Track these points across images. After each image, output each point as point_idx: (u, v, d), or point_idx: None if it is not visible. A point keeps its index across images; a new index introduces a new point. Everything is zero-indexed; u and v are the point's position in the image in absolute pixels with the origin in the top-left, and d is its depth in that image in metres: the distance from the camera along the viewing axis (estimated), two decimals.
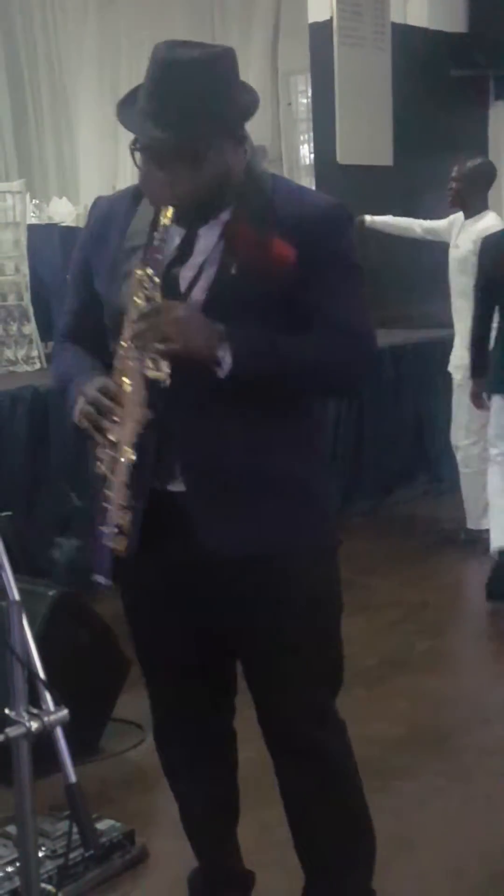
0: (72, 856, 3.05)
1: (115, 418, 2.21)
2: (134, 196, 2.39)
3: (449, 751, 3.90)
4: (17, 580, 2.08)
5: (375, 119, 8.23)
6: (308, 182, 8.47)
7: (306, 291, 2.27)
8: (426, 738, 4.00)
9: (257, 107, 2.27)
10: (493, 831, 3.37)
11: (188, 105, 2.14)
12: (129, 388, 2.21)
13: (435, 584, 5.79)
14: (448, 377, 6.38)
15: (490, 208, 6.11)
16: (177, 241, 2.28)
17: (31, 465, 5.52)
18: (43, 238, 7.56)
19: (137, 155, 2.23)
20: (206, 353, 2.20)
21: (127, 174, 12.02)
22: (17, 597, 2.04)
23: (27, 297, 7.05)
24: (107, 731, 3.95)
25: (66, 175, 12.71)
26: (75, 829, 2.03)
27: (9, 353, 6.92)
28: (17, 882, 2.92)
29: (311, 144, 9.27)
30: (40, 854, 2.99)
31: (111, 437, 2.21)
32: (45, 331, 7.34)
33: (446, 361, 6.37)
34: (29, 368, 6.88)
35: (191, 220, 2.26)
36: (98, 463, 2.23)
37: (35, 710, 1.99)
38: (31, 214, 8.05)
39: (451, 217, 6.25)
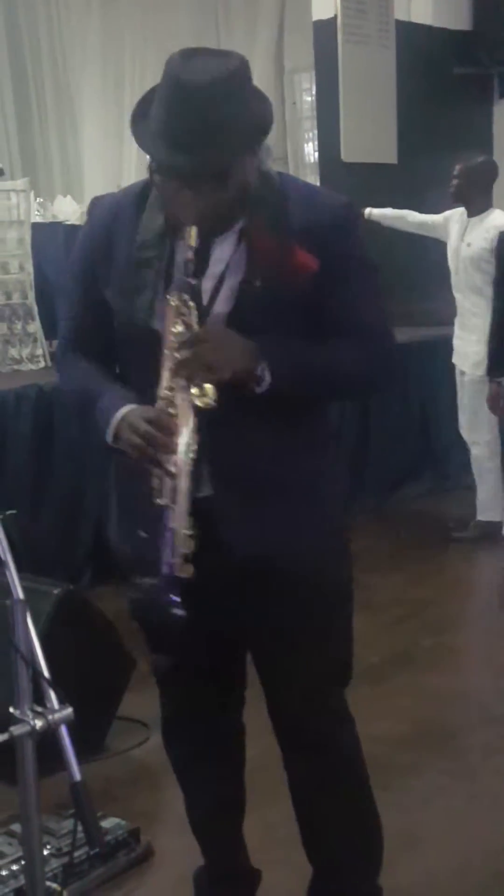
0: (77, 854, 3.06)
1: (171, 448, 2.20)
2: (137, 199, 2.35)
3: (453, 748, 3.90)
4: (21, 578, 2.08)
5: (380, 117, 8.22)
6: (312, 180, 8.46)
7: (325, 295, 2.29)
8: (431, 736, 4.00)
9: (273, 117, 2.25)
10: (498, 829, 3.37)
11: (212, 129, 2.10)
12: (178, 417, 2.20)
13: (439, 582, 5.79)
14: (452, 374, 6.40)
15: (495, 205, 6.12)
16: (190, 253, 2.23)
17: (35, 463, 5.53)
18: (47, 236, 7.55)
19: (156, 175, 2.22)
20: (248, 374, 2.22)
21: (132, 172, 12.01)
22: (21, 595, 2.05)
23: (31, 295, 7.04)
24: (111, 729, 3.95)
25: (70, 173, 12.68)
26: (80, 828, 2.04)
27: (13, 352, 6.92)
28: (22, 880, 2.93)
29: (316, 142, 9.26)
30: (45, 852, 3.00)
31: (170, 469, 2.19)
32: (50, 329, 7.33)
33: (450, 358, 6.39)
34: (33, 367, 6.87)
35: (207, 232, 2.24)
36: (156, 493, 2.21)
37: (39, 709, 2.00)
38: (36, 213, 8.03)
39: (448, 213, 6.26)
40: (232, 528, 2.32)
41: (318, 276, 2.25)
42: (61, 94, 12.66)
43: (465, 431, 6.40)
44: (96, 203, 2.49)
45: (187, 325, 2.18)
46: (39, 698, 2.01)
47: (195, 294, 2.20)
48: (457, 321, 6.30)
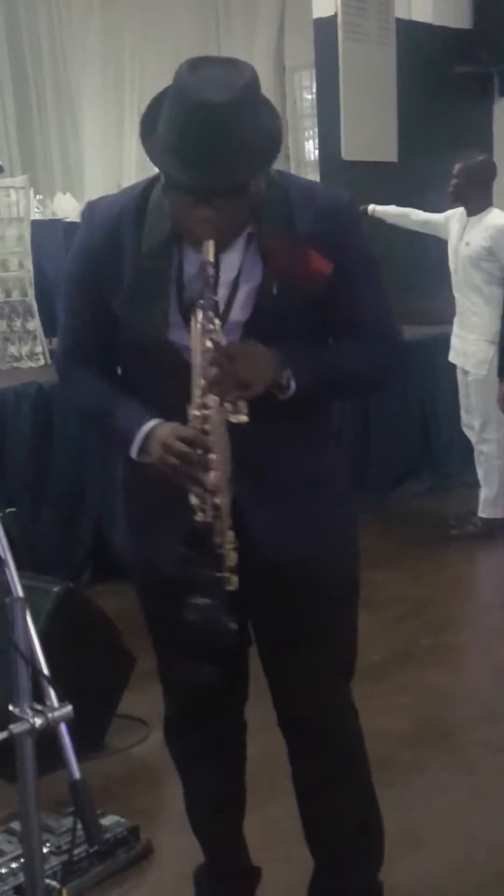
0: (76, 852, 3.06)
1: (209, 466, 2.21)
2: (138, 204, 2.31)
3: (455, 746, 3.90)
4: (20, 576, 2.08)
5: (380, 115, 8.21)
6: (313, 178, 8.45)
7: (335, 294, 2.30)
8: (432, 734, 4.00)
9: (282, 129, 2.24)
10: (499, 826, 3.37)
11: (231, 148, 2.08)
12: (212, 434, 2.20)
13: (440, 580, 5.79)
14: (451, 372, 6.40)
15: (495, 205, 6.13)
16: (211, 269, 2.20)
17: (35, 460, 5.52)
18: (47, 234, 7.55)
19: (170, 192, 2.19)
20: (276, 384, 2.24)
21: (132, 169, 12.02)
22: (20, 593, 2.04)
23: (31, 292, 7.04)
24: (111, 727, 3.95)
25: (70, 170, 12.69)
26: (80, 825, 2.03)
27: (13, 349, 6.91)
28: (21, 878, 2.93)
29: (316, 140, 9.25)
30: (45, 850, 3.00)
31: (209, 486, 2.21)
32: (49, 327, 7.32)
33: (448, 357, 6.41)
34: (33, 364, 6.87)
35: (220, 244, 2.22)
36: (199, 511, 2.22)
37: (39, 707, 1.99)
38: (35, 210, 8.04)
39: (449, 212, 6.28)
40: (256, 529, 2.33)
41: (329, 277, 2.27)
42: (61, 92, 12.67)
43: (470, 430, 6.39)
44: (93, 208, 2.43)
45: (215, 343, 2.17)
46: (39, 696, 2.01)
47: (216, 308, 2.19)
48: (456, 320, 6.31)
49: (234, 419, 2.19)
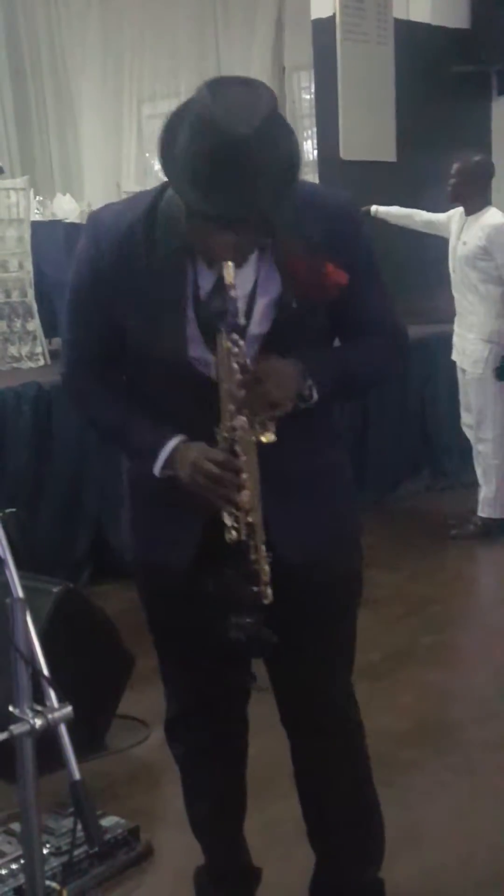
0: (76, 853, 3.06)
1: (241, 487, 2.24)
2: (147, 216, 2.27)
3: (455, 745, 3.91)
4: (20, 577, 2.08)
5: (378, 114, 8.21)
6: (311, 178, 8.45)
7: (344, 297, 2.29)
8: (432, 733, 4.00)
9: (300, 151, 2.18)
10: (499, 825, 3.37)
11: (257, 177, 2.04)
12: (242, 454, 2.23)
13: (440, 579, 5.80)
14: (451, 371, 6.42)
15: (493, 204, 6.13)
16: (234, 291, 2.19)
17: (35, 461, 5.52)
18: (47, 235, 7.55)
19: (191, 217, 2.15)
20: (300, 396, 2.26)
21: (130, 170, 12.03)
22: (21, 594, 2.05)
23: (31, 293, 7.04)
24: (111, 727, 3.95)
25: (69, 171, 12.70)
26: (80, 826, 2.04)
27: (13, 350, 6.92)
28: (21, 879, 2.93)
29: (314, 140, 9.25)
30: (45, 851, 3.00)
31: (242, 505, 2.25)
32: (49, 327, 7.33)
33: (449, 355, 6.41)
34: (33, 365, 6.88)
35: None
36: (231, 531, 2.26)
37: (39, 707, 1.99)
38: (35, 211, 8.04)
39: (451, 212, 6.29)
40: (274, 531, 2.34)
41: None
42: (61, 93, 12.68)
43: (470, 429, 6.40)
44: (98, 222, 2.36)
45: (242, 367, 2.18)
46: (39, 697, 2.01)
47: (239, 330, 2.19)
48: (456, 319, 6.32)
49: (265, 439, 2.23)
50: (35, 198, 8.28)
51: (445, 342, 6.49)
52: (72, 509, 5.69)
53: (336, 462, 2.54)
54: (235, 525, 2.25)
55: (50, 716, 1.98)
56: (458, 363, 6.34)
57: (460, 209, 6.18)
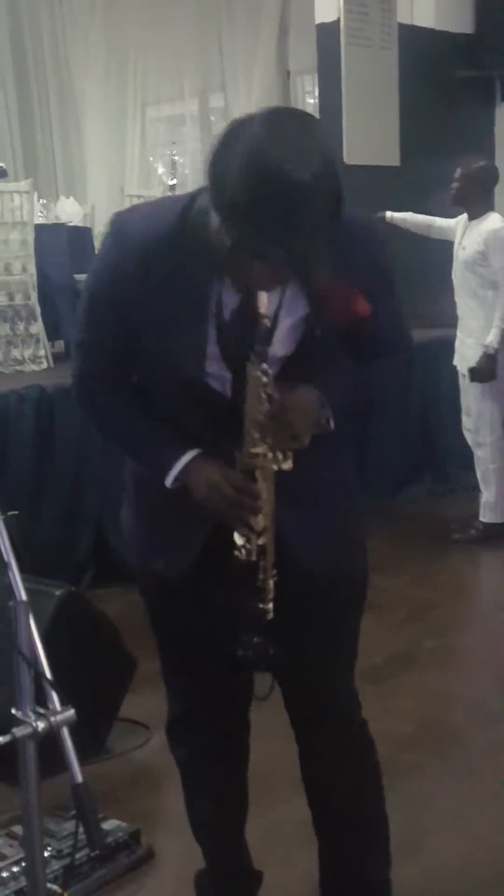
0: (78, 856, 3.06)
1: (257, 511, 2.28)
2: (175, 231, 2.21)
3: (456, 749, 3.90)
4: (23, 580, 2.08)
5: (382, 119, 8.22)
6: None
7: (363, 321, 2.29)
8: (433, 737, 4.00)
9: (342, 187, 2.13)
10: (501, 829, 3.37)
11: (314, 221, 2.01)
12: (260, 480, 2.26)
13: (442, 583, 5.79)
14: (453, 376, 6.42)
15: (497, 209, 6.14)
16: (267, 322, 2.19)
17: (37, 463, 5.52)
18: (50, 238, 7.56)
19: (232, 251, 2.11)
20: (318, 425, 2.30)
21: (134, 173, 12.05)
22: (24, 596, 2.05)
23: (34, 296, 7.05)
24: (113, 730, 3.95)
25: (73, 174, 12.72)
26: (81, 829, 2.04)
27: (16, 353, 6.93)
28: (23, 882, 2.93)
29: None
30: (46, 854, 3.00)
31: (257, 527, 2.28)
32: (52, 330, 7.34)
33: (451, 360, 6.42)
34: (36, 368, 6.88)
35: None
36: (241, 551, 2.30)
37: (42, 710, 1.99)
38: (39, 214, 8.05)
39: (458, 217, 6.30)
40: (288, 537, 2.36)
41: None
42: (64, 96, 12.70)
43: (469, 433, 6.41)
44: (126, 227, 2.29)
45: (269, 396, 2.20)
46: (42, 700, 2.01)
47: (269, 360, 2.20)
48: (458, 324, 6.33)
49: (285, 466, 2.26)
50: (38, 201, 8.28)
51: (448, 346, 6.49)
52: (74, 512, 5.69)
53: (345, 468, 2.56)
54: (247, 546, 2.28)
55: (52, 719, 1.98)
56: (459, 368, 6.35)
57: (465, 214, 6.19)
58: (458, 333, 6.33)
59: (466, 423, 6.42)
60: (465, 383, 6.32)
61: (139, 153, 12.31)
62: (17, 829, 3.14)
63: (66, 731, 1.99)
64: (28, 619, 2.03)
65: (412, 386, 7.22)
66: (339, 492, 2.52)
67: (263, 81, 10.80)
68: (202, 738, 2.69)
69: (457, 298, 6.26)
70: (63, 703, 2.00)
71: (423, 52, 8.52)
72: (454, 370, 6.42)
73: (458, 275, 6.20)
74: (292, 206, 1.97)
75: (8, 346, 6.91)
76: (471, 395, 6.27)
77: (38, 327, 7.00)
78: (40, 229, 7.39)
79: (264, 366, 2.17)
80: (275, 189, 1.95)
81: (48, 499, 5.58)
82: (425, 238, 6.68)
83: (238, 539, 2.29)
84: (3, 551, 2.11)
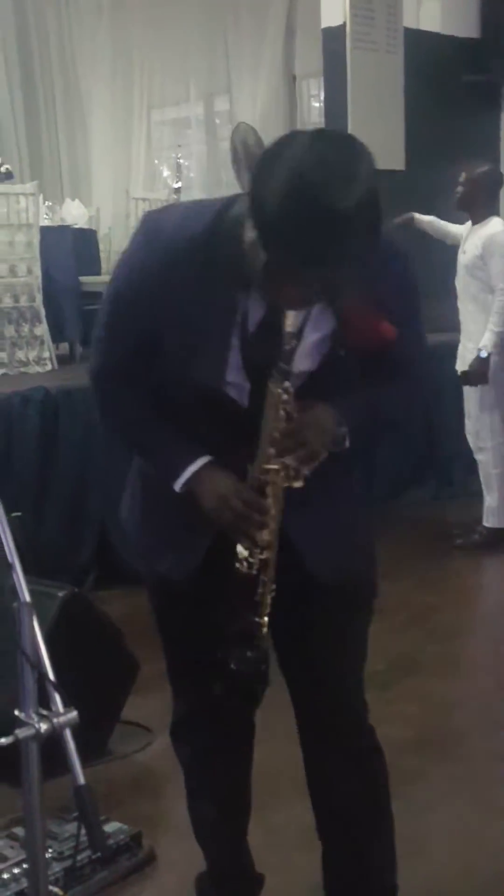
0: (79, 858, 3.06)
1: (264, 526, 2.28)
2: (206, 239, 2.20)
3: (458, 755, 3.90)
4: (26, 581, 2.08)
5: (388, 123, 8.22)
6: None
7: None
8: (436, 742, 4.00)
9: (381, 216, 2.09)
10: (503, 835, 3.36)
11: (354, 248, 1.99)
12: (270, 496, 2.26)
13: (445, 588, 5.79)
14: (457, 380, 6.42)
15: (500, 215, 6.16)
16: (295, 341, 2.18)
17: (40, 465, 5.53)
18: (55, 240, 7.58)
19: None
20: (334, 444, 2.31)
21: (139, 176, 12.05)
22: (28, 598, 2.04)
23: (39, 298, 7.06)
24: (115, 733, 3.95)
25: (78, 177, 12.72)
26: (83, 832, 2.03)
27: (20, 354, 6.94)
28: (24, 884, 2.93)
29: None
30: (48, 856, 2.99)
31: (261, 542, 2.28)
32: (57, 332, 7.35)
33: (454, 365, 6.41)
34: (40, 369, 6.90)
35: None
36: (242, 563, 2.30)
37: (44, 712, 1.99)
38: (44, 216, 8.06)
39: (466, 223, 6.31)
40: (300, 545, 2.37)
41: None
42: (70, 99, 12.71)
43: (471, 437, 6.41)
44: (160, 229, 2.29)
45: (288, 414, 2.20)
46: (44, 701, 2.01)
47: (291, 378, 2.20)
48: (461, 328, 6.34)
49: (297, 484, 2.26)
50: (44, 203, 8.30)
51: (450, 351, 6.49)
52: (77, 514, 5.69)
53: (352, 477, 2.56)
54: (249, 560, 2.29)
55: (55, 720, 1.97)
56: (460, 372, 6.34)
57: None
58: (461, 337, 6.33)
59: (469, 427, 6.43)
60: (466, 387, 6.32)
61: (144, 156, 12.31)
62: (19, 831, 3.14)
63: (68, 733, 1.99)
64: (32, 620, 2.02)
65: None
66: (348, 498, 2.52)
67: (269, 85, 10.81)
68: (206, 739, 2.69)
69: (459, 303, 6.27)
70: (66, 704, 1.99)
71: (428, 57, 8.52)
72: (457, 374, 6.42)
73: (460, 279, 6.22)
74: (333, 234, 1.94)
75: (13, 348, 6.92)
76: (471, 400, 6.28)
77: (42, 329, 7.01)
78: (45, 231, 7.40)
79: (287, 384, 2.17)
80: (317, 216, 1.92)
81: (52, 500, 5.58)
82: (428, 242, 6.67)
83: (241, 551, 2.30)
84: (7, 552, 2.11)
